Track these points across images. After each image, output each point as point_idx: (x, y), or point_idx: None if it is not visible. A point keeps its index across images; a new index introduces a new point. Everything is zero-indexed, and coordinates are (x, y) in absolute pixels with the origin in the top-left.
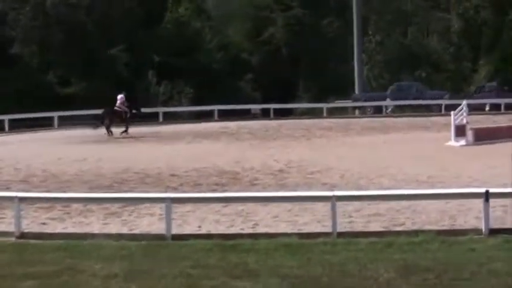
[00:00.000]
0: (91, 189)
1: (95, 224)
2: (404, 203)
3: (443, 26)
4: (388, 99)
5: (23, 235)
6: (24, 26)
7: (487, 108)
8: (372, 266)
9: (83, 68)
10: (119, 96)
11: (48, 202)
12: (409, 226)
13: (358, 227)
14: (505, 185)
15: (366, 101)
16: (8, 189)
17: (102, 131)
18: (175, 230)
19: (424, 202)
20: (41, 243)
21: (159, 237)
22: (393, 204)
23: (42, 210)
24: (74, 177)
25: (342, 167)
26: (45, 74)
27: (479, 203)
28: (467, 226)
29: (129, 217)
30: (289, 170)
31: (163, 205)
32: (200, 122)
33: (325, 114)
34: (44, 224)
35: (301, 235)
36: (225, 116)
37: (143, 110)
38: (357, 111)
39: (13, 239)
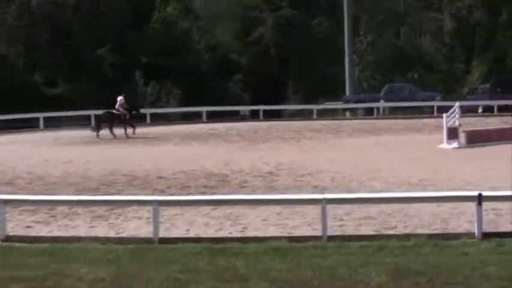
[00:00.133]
0: (77, 192)
1: (81, 227)
2: (396, 206)
3: (436, 26)
4: (381, 101)
5: (7, 238)
6: (10, 26)
7: (480, 110)
8: (363, 270)
9: (69, 69)
10: (119, 99)
11: (33, 205)
12: (400, 229)
13: (349, 230)
14: (498, 188)
15: (357, 102)
16: None
17: (101, 132)
18: (163, 234)
19: (416, 205)
20: (26, 246)
21: (146, 240)
22: (384, 207)
23: (28, 213)
24: (60, 180)
25: (332, 170)
26: (31, 74)
27: (472, 206)
28: (459, 230)
29: (116, 220)
30: (279, 172)
31: (150, 208)
32: (188, 124)
33: (315, 116)
34: (29, 227)
35: (291, 239)
36: (213, 117)
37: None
38: (347, 113)
39: None
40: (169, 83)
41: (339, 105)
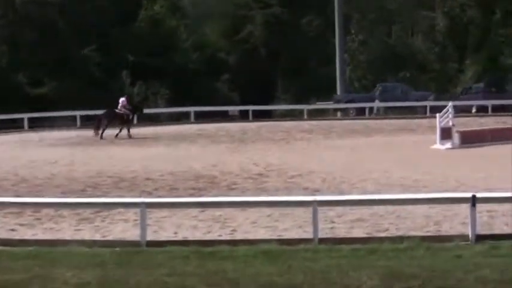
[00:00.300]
0: (63, 194)
1: (66, 230)
2: (388, 208)
3: (428, 24)
4: (376, 101)
5: None
6: None
7: (474, 110)
8: (355, 273)
9: (54, 68)
10: (121, 99)
11: (18, 207)
12: (393, 232)
13: (341, 233)
14: (492, 190)
15: (348, 102)
16: None
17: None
18: (150, 237)
19: (408, 207)
20: (10, 250)
21: (133, 243)
22: (377, 209)
23: (12, 215)
24: (45, 181)
25: (323, 171)
26: (16, 74)
27: (465, 208)
28: (453, 232)
29: (102, 223)
30: (269, 173)
31: (137, 210)
32: (176, 124)
33: (305, 116)
34: (13, 230)
35: (282, 241)
36: (201, 117)
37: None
38: (338, 113)
39: None
40: (156, 82)
41: (330, 105)
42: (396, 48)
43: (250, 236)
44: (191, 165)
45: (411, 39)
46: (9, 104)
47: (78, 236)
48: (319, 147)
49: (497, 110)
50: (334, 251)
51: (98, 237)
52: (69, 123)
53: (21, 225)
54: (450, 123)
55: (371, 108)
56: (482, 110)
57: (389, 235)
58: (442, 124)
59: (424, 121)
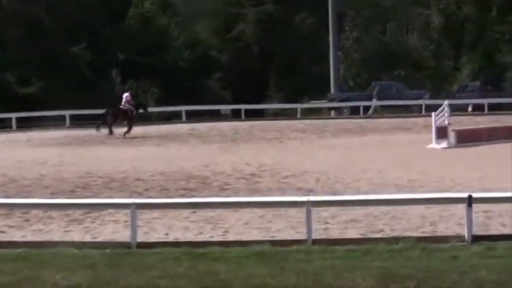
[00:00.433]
0: (52, 195)
1: (56, 231)
2: (383, 208)
3: (423, 22)
4: (374, 100)
5: None
6: None
7: (470, 108)
8: (349, 274)
9: (42, 67)
10: (125, 95)
11: (6, 208)
12: (388, 233)
13: (335, 234)
14: (488, 190)
15: (342, 101)
16: None
17: (103, 131)
18: (141, 238)
19: (403, 207)
20: None
21: (123, 245)
22: (371, 209)
23: (0, 216)
24: (34, 182)
25: (317, 171)
26: (3, 73)
27: (461, 208)
28: (449, 233)
29: (92, 224)
30: (262, 174)
31: (128, 211)
32: (167, 124)
33: (299, 115)
34: (1, 231)
35: (274, 243)
36: (193, 117)
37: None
38: (332, 112)
39: None
40: (147, 81)
41: (324, 104)
42: (391, 46)
43: (243, 237)
44: (182, 166)
45: (406, 36)
46: None
47: (68, 238)
48: (313, 146)
49: (494, 108)
50: (328, 252)
51: (87, 238)
52: (58, 123)
53: (9, 226)
54: (446, 122)
55: (367, 107)
56: (478, 109)
57: (384, 236)
58: (438, 123)
59: (420, 120)
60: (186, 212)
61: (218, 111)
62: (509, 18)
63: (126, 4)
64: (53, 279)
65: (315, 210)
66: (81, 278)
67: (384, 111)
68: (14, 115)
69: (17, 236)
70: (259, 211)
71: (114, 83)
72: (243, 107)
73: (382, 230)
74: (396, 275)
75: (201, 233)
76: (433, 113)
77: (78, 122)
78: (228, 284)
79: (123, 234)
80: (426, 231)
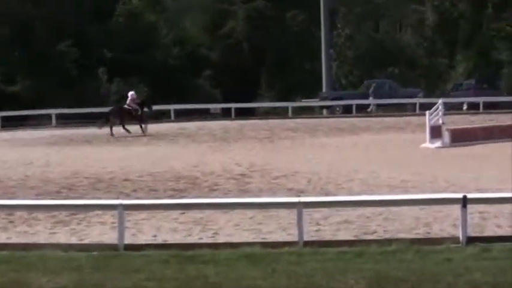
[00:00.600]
0: (37, 196)
1: (41, 233)
2: (376, 209)
3: (417, 19)
4: (370, 98)
5: None
6: None
7: (465, 107)
8: (341, 277)
9: (28, 65)
10: (130, 93)
11: None
12: (381, 234)
13: (326, 235)
14: (484, 190)
15: (334, 99)
16: None
17: (104, 130)
18: (128, 240)
19: (397, 208)
20: None
21: (111, 247)
22: (364, 211)
23: None
24: (19, 183)
25: (308, 171)
26: None
27: (456, 209)
28: (443, 234)
29: (79, 226)
30: (252, 174)
31: (115, 212)
32: (156, 123)
33: (290, 114)
34: None
35: (265, 244)
36: (182, 116)
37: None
38: (324, 111)
39: None
40: (135, 79)
41: (316, 102)
42: (384, 43)
43: (233, 239)
44: (171, 166)
45: (399, 34)
46: None
47: (54, 240)
48: (304, 146)
49: (489, 107)
50: (320, 254)
51: (74, 240)
52: (44, 122)
53: None
54: (440, 121)
55: (360, 106)
56: (473, 107)
57: (377, 238)
58: (432, 122)
59: (414, 119)
60: (174, 213)
61: (208, 110)
62: (504, 15)
63: (114, 0)
64: (39, 282)
65: (306, 212)
66: (67, 281)
67: (377, 110)
68: None
69: (1, 238)
70: (249, 212)
71: (101, 81)
72: (233, 105)
73: (375, 232)
74: (389, 278)
75: (190, 235)
76: (427, 112)
77: (65, 121)
78: (218, 287)
79: (110, 236)
80: (420, 232)
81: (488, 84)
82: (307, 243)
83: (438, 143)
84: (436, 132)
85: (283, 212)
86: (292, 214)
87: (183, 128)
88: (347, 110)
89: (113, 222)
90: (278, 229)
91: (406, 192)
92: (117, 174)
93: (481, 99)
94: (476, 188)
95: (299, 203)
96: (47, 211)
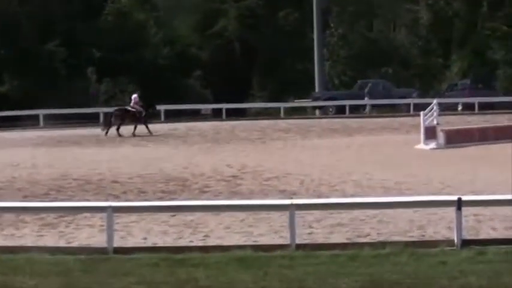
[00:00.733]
0: (25, 198)
1: (28, 236)
2: (370, 212)
3: (412, 18)
4: (366, 98)
5: None
6: None
7: (460, 107)
8: (334, 280)
9: (15, 65)
10: (133, 96)
11: None
12: (374, 237)
13: (319, 238)
14: (479, 192)
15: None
16: None
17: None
18: (117, 243)
19: (391, 211)
20: None
21: (99, 250)
22: (357, 213)
23: None
24: (6, 185)
25: (301, 173)
26: None
27: (451, 211)
28: (438, 237)
29: (67, 228)
30: (243, 176)
31: (104, 215)
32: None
33: (282, 115)
34: None
35: (257, 247)
36: (172, 116)
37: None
38: (317, 112)
39: None
40: (124, 79)
41: (308, 103)
42: (378, 42)
43: (224, 242)
44: (161, 167)
45: (393, 33)
46: None
47: (41, 243)
48: (297, 147)
49: (485, 107)
50: (312, 258)
51: (62, 243)
52: (31, 122)
53: None
54: (435, 122)
55: (352, 107)
56: (468, 108)
57: (370, 240)
58: (427, 123)
59: (408, 119)
60: (164, 216)
61: (198, 110)
62: (500, 14)
63: None
64: (26, 286)
65: (298, 214)
66: (55, 285)
67: (371, 111)
68: None
69: None
70: (240, 215)
71: (90, 81)
72: (224, 106)
73: (368, 234)
74: (383, 281)
75: (180, 238)
76: (421, 113)
77: (53, 121)
78: None
79: (99, 239)
80: (414, 235)
81: (483, 84)
82: (299, 246)
83: (433, 144)
84: (430, 133)
85: (275, 215)
86: (284, 216)
87: (173, 129)
88: (340, 111)
89: (102, 225)
90: (270, 232)
91: (400, 194)
92: (106, 175)
93: (476, 100)
94: (472, 190)
95: (291, 205)
96: (34, 213)
